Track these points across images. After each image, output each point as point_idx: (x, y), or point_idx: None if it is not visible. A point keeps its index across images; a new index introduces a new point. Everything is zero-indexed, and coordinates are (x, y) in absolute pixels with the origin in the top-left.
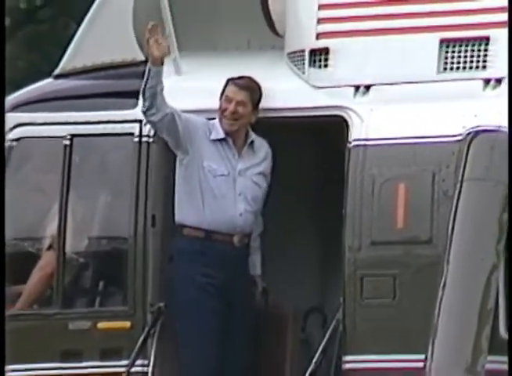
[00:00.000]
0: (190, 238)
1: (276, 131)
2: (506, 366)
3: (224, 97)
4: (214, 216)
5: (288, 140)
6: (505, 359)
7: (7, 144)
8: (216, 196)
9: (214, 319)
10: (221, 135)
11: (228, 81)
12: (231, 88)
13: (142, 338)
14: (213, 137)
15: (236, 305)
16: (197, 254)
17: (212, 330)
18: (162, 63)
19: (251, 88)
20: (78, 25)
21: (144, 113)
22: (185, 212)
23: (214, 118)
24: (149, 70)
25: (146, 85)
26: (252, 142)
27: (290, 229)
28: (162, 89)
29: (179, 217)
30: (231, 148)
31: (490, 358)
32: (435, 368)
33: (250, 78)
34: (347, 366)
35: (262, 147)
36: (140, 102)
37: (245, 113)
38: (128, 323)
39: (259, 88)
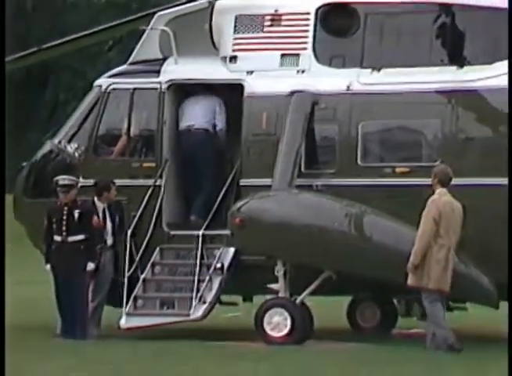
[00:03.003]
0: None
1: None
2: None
3: None
4: None
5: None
6: (302, 180)
7: (109, 89)
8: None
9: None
10: None
11: None
12: None
13: (160, 171)
14: None
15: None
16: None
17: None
18: None
19: None
20: (134, 47)
21: None
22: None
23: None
24: None
25: None
26: None
27: None
28: None
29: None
30: None
31: (298, 180)
32: (274, 187)
33: None
34: (242, 183)
35: None
36: (162, 73)
37: None
38: (153, 164)
39: None
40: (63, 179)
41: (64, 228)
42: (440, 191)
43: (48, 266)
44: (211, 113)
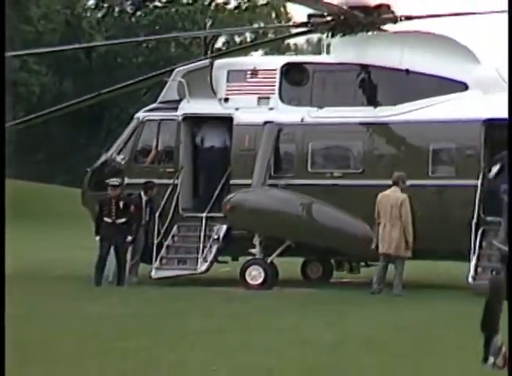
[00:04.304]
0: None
1: (210, 123)
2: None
3: None
4: None
5: (215, 127)
6: (271, 180)
7: (144, 120)
8: None
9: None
10: None
11: None
12: None
13: (177, 174)
14: None
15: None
16: None
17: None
18: None
19: None
20: (161, 91)
21: None
22: None
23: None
24: None
25: None
26: None
27: None
28: None
29: None
30: None
31: (269, 180)
32: (253, 184)
33: None
34: (232, 183)
35: None
36: (179, 109)
37: None
38: (173, 169)
39: None
40: (111, 181)
41: (113, 213)
42: (392, 188)
43: (98, 237)
44: (224, 137)
